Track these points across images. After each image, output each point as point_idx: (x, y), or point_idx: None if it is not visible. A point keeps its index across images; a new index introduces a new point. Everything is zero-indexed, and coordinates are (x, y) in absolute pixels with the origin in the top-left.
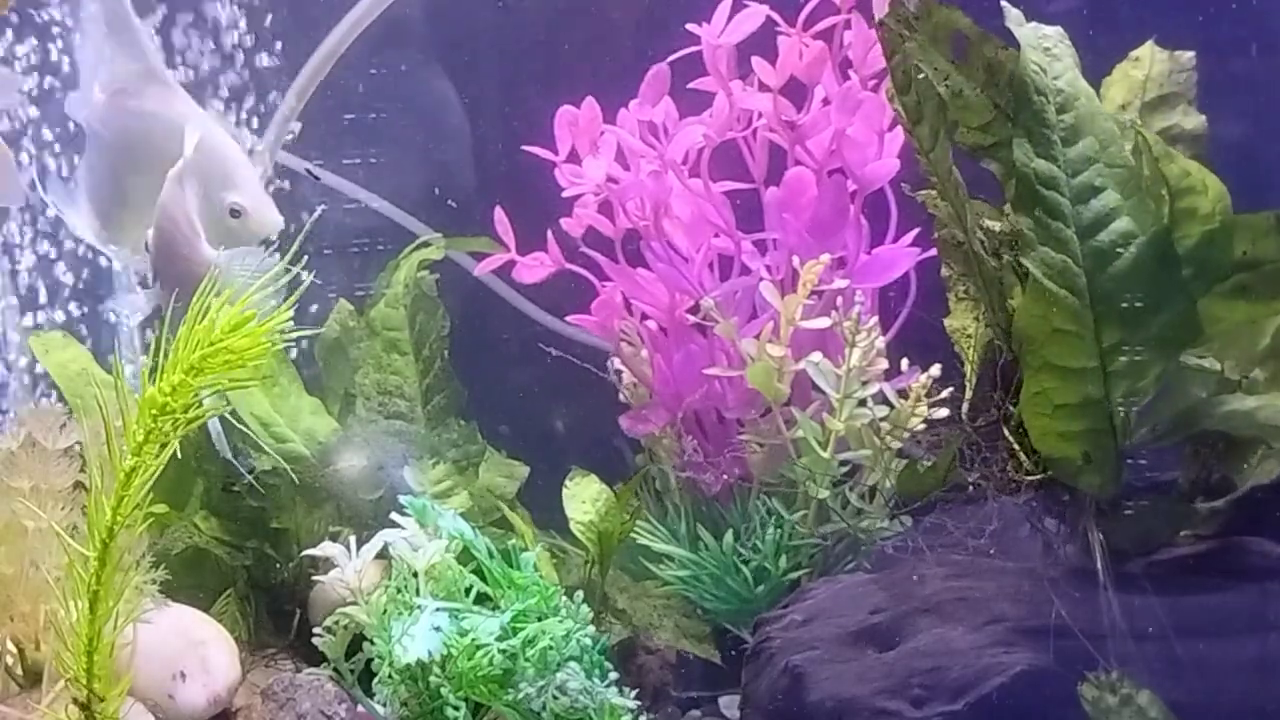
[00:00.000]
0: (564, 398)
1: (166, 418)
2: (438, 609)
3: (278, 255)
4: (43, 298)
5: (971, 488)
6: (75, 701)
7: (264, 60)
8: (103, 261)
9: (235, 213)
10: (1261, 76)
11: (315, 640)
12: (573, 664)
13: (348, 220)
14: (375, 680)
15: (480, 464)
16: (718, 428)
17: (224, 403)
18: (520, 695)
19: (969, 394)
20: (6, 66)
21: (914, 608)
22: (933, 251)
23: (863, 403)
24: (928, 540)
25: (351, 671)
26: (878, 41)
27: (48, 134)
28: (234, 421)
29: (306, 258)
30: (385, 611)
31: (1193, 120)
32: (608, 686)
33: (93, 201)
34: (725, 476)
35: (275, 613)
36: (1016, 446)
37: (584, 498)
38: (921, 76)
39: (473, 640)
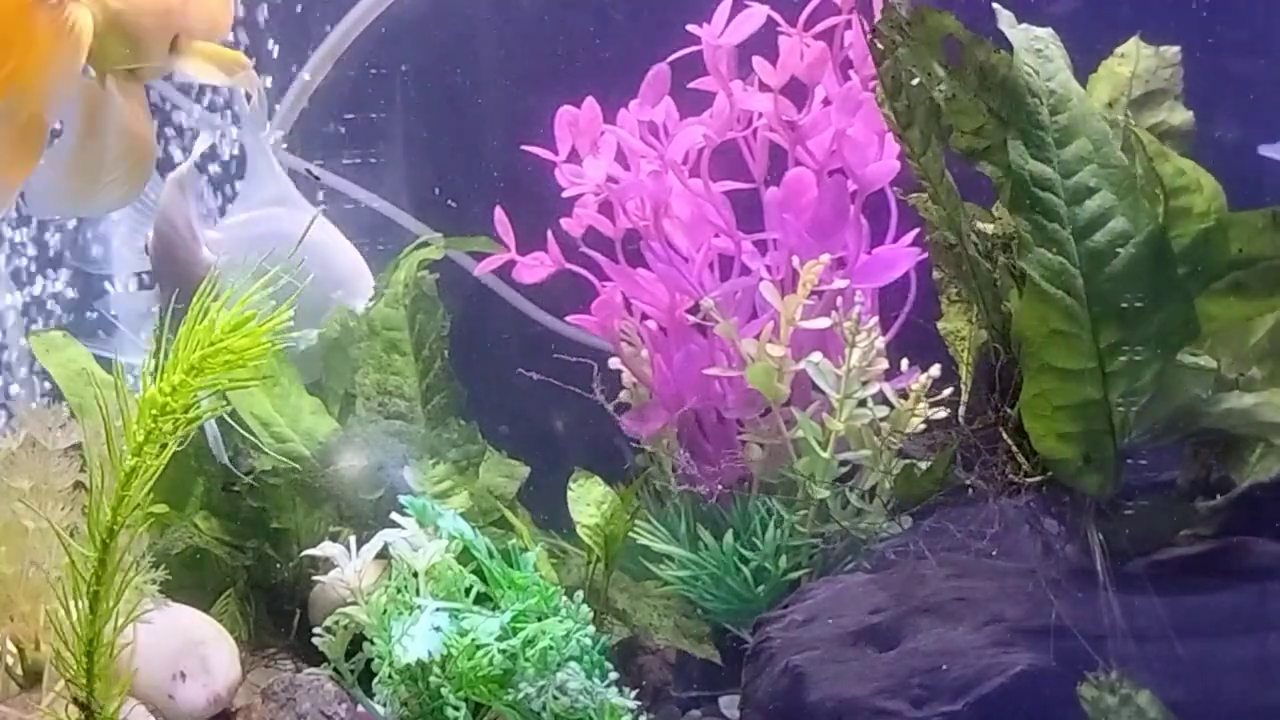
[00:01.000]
0: (564, 397)
1: (167, 418)
2: (438, 609)
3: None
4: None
5: (971, 490)
6: (75, 701)
7: (264, 59)
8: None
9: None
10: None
11: (315, 640)
12: (573, 664)
13: (348, 220)
14: (375, 680)
15: (480, 464)
16: (718, 428)
17: (223, 403)
18: (520, 695)
19: (965, 397)
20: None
21: (914, 608)
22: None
23: (863, 403)
24: (928, 542)
25: (351, 671)
26: (869, 47)
27: None
28: (232, 423)
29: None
30: (385, 611)
31: (1179, 116)
32: (608, 686)
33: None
34: (721, 487)
35: (275, 613)
36: (1015, 448)
37: (589, 500)
38: (915, 82)
39: (473, 640)
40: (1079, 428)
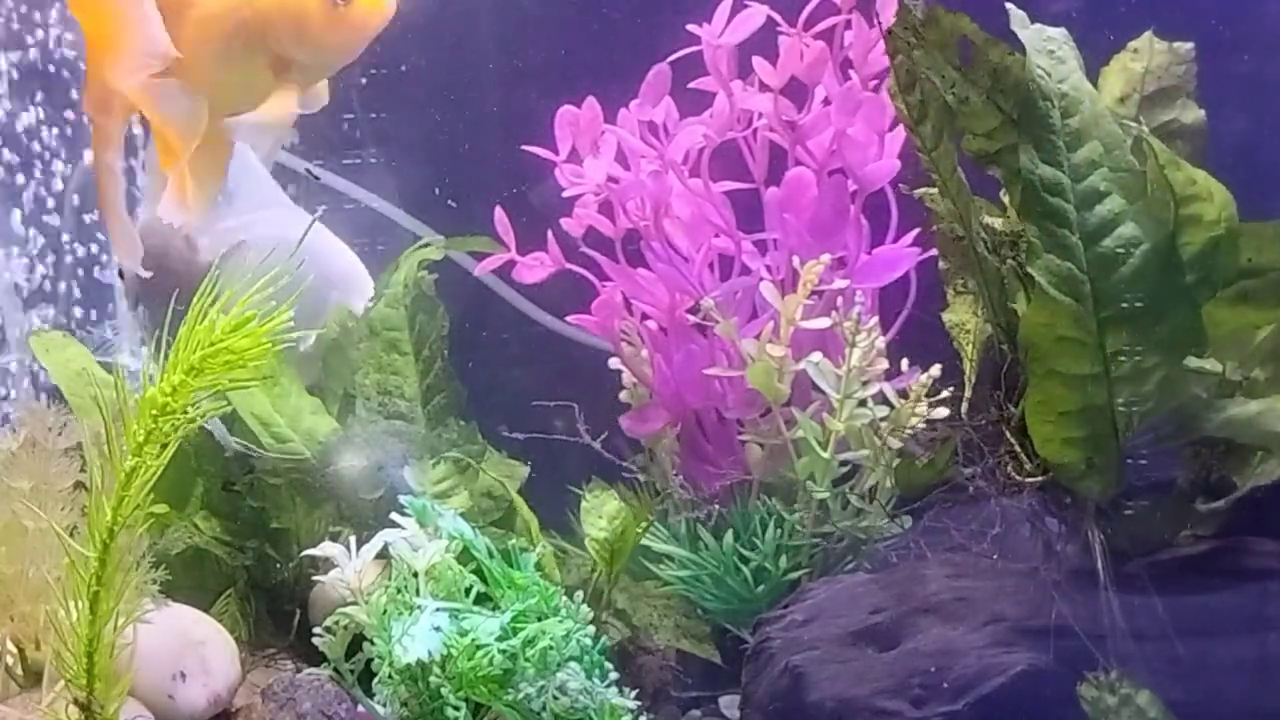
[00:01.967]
0: (563, 398)
1: (167, 418)
2: (438, 609)
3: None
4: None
5: (972, 488)
6: (75, 701)
7: None
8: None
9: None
10: None
11: (315, 640)
12: (573, 664)
13: (348, 220)
14: (375, 680)
15: (480, 464)
16: (718, 428)
17: (224, 403)
18: (520, 695)
19: (968, 392)
20: None
21: (914, 608)
22: (933, 251)
23: (863, 403)
24: (928, 541)
25: (351, 671)
26: (880, 43)
27: None
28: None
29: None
30: (385, 611)
31: (1192, 114)
32: (608, 686)
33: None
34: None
35: (275, 613)
36: (1018, 448)
37: (602, 513)
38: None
39: (473, 640)
40: (1083, 432)
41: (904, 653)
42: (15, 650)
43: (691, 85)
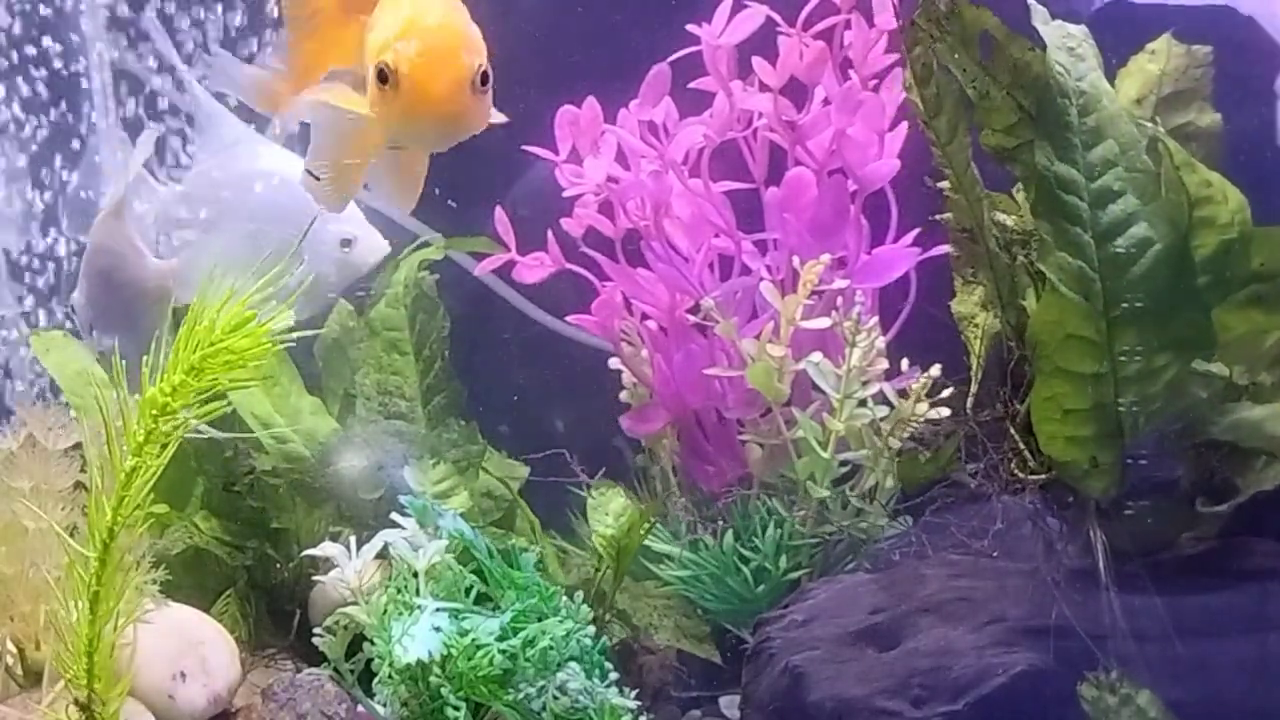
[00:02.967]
0: (564, 397)
1: (167, 418)
2: (438, 609)
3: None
4: None
5: (974, 485)
6: (75, 701)
7: (264, 59)
8: None
9: (346, 243)
10: None
11: (315, 640)
12: (573, 664)
13: None
14: (375, 680)
15: (480, 464)
16: (718, 428)
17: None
18: (520, 695)
19: (974, 387)
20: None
21: (914, 608)
22: (933, 251)
23: (863, 403)
24: (930, 539)
25: (351, 671)
26: (880, 43)
27: None
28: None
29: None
30: (385, 612)
31: (1207, 118)
32: (608, 686)
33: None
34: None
35: (275, 613)
36: (1022, 445)
37: (608, 510)
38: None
39: (473, 640)
40: (1088, 431)
41: (904, 653)
42: (15, 650)
43: (691, 85)
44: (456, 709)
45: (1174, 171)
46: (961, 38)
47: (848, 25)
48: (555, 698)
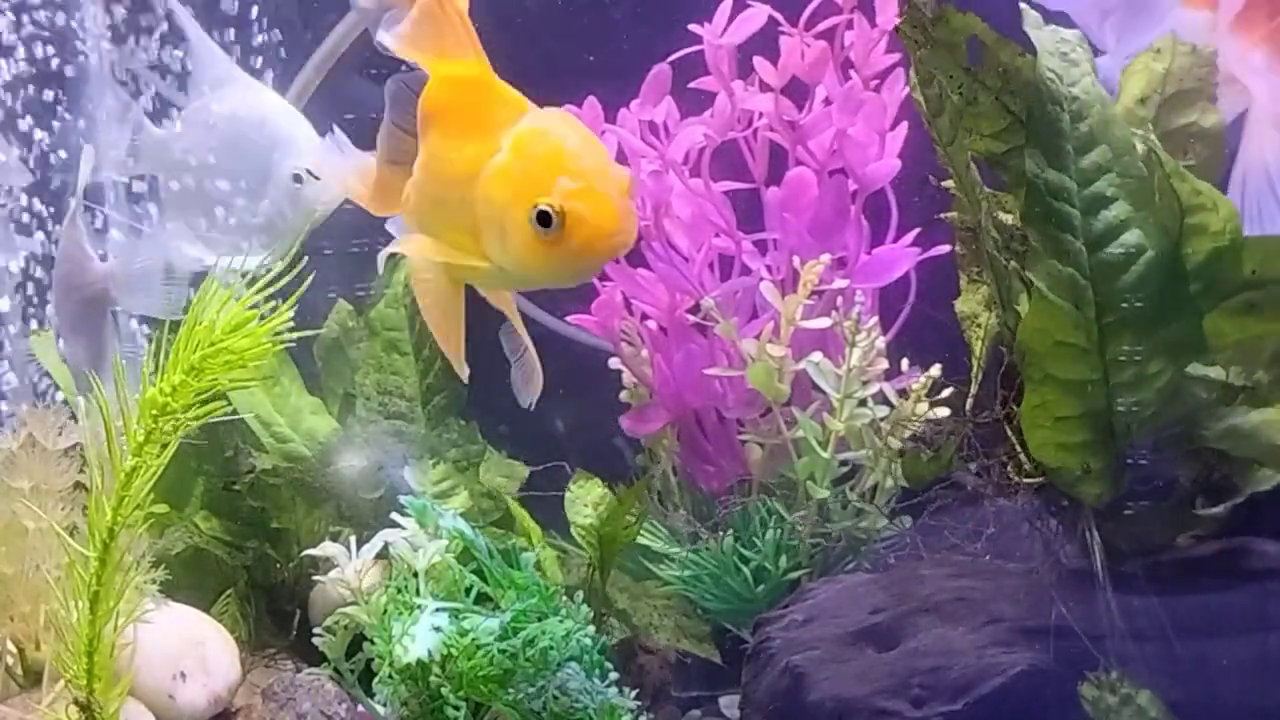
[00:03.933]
0: (564, 398)
1: (166, 418)
2: (438, 609)
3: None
4: None
5: (972, 487)
6: (75, 701)
7: (266, 58)
8: None
9: (297, 179)
10: None
11: (315, 640)
12: (573, 664)
13: (348, 220)
14: (375, 680)
15: (480, 464)
16: (718, 428)
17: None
18: (520, 695)
19: (974, 388)
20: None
21: (914, 608)
22: (933, 251)
23: (863, 403)
24: (927, 544)
25: (351, 671)
26: (881, 43)
27: None
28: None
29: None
30: (385, 611)
31: (1211, 118)
32: (608, 686)
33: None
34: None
35: (275, 613)
36: (1019, 448)
37: (586, 501)
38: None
39: (473, 640)
40: (1080, 438)
41: (904, 653)
42: (15, 650)
43: (692, 85)
44: (456, 709)
45: (1166, 179)
46: (948, 43)
47: (849, 25)
48: (555, 697)
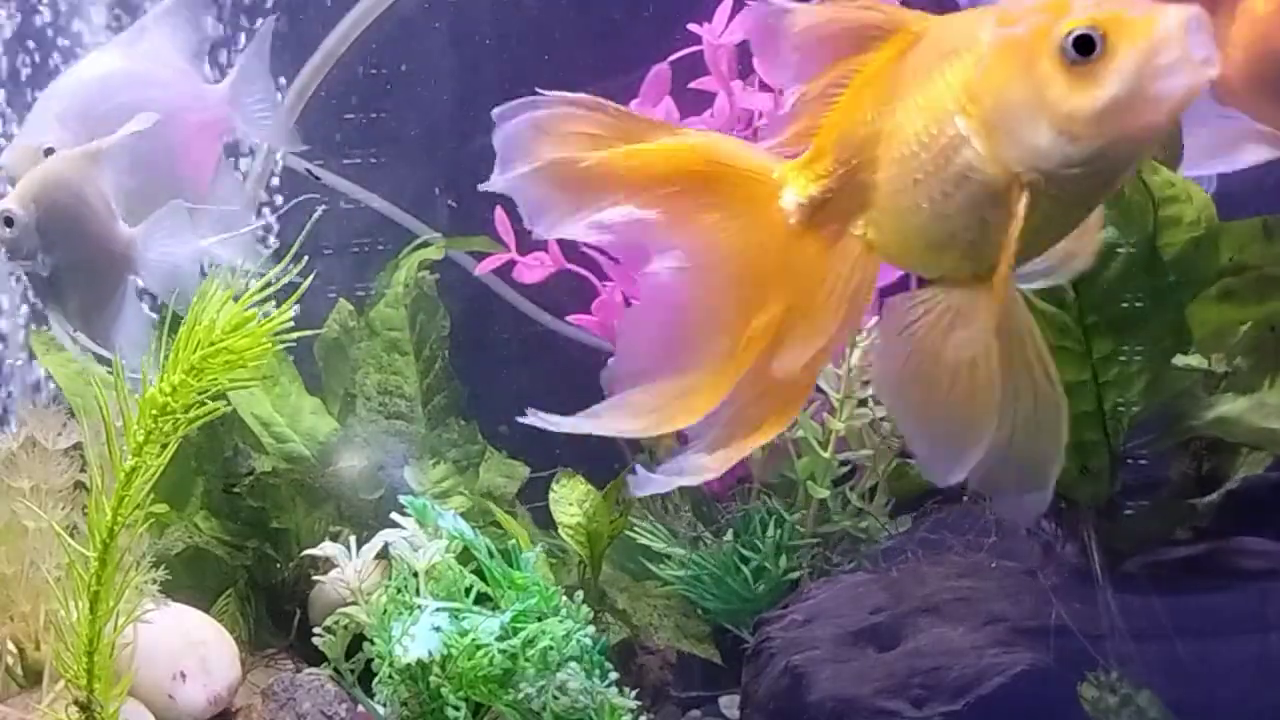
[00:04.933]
0: (564, 397)
1: (167, 418)
2: (438, 609)
3: None
4: None
5: (967, 495)
6: (75, 701)
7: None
8: None
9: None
10: None
11: (315, 640)
12: (573, 664)
13: (347, 220)
14: (375, 680)
15: (480, 464)
16: None
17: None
18: (520, 695)
19: None
20: None
21: (914, 608)
22: None
23: (863, 403)
24: (926, 546)
25: (351, 671)
26: None
27: None
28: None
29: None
30: (385, 611)
31: None
32: (608, 686)
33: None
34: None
35: (275, 613)
36: None
37: (570, 500)
38: None
39: (473, 640)
40: (1074, 439)
41: (904, 653)
42: (15, 650)
43: (692, 85)
44: (456, 709)
45: (1137, 173)
46: None
47: None
48: (555, 698)
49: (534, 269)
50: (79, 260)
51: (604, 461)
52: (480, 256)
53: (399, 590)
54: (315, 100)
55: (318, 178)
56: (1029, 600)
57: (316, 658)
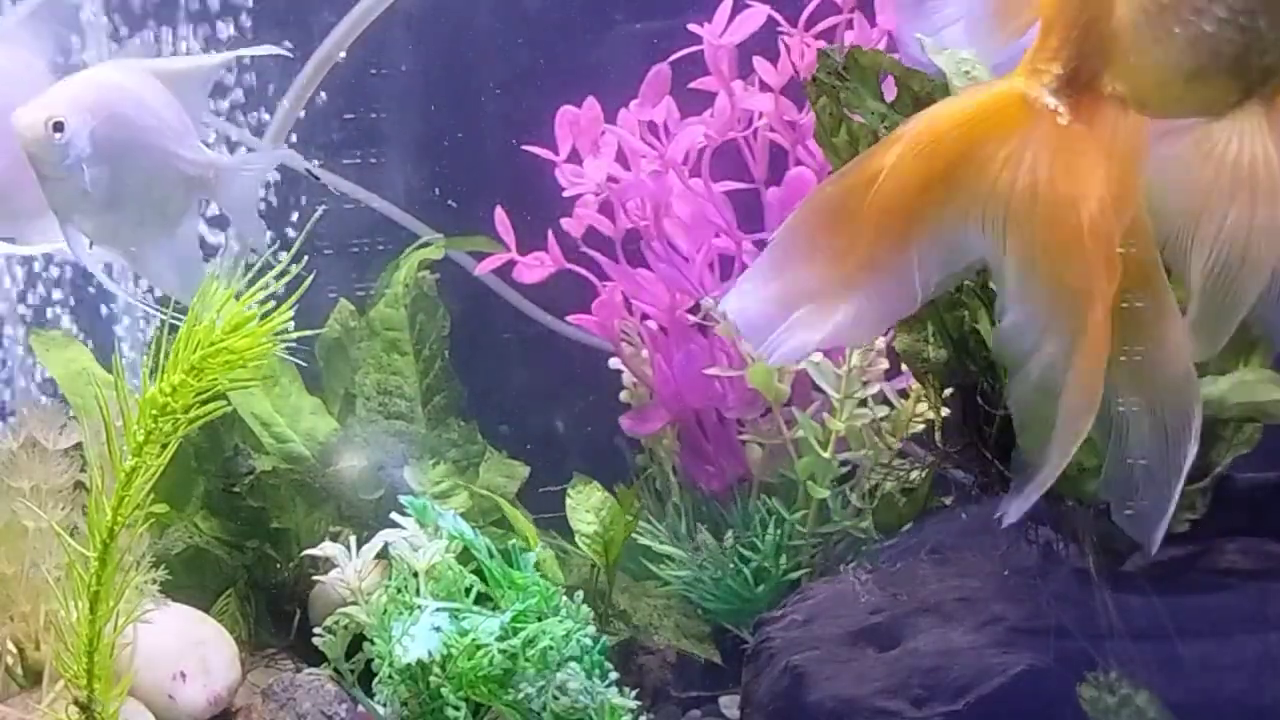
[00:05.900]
0: (564, 397)
1: (167, 418)
2: (438, 609)
3: None
4: None
5: (962, 513)
6: (75, 701)
7: (266, 59)
8: None
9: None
10: None
11: (315, 640)
12: (573, 664)
13: (347, 220)
14: (375, 680)
15: (480, 464)
16: (718, 428)
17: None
18: (520, 695)
19: (938, 419)
20: None
21: (914, 608)
22: None
23: (863, 403)
24: (926, 546)
25: (351, 671)
26: (881, 42)
27: None
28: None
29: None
30: (385, 611)
31: None
32: (608, 686)
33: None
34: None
35: (275, 613)
36: (1000, 468)
37: (587, 508)
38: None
39: (473, 640)
40: None
41: (904, 653)
42: (15, 650)
43: (692, 85)
44: (456, 709)
45: None
46: (863, 80)
47: (849, 25)
48: (555, 698)
49: (534, 269)
50: (142, 180)
51: (604, 461)
52: (480, 256)
53: (399, 590)
54: (315, 100)
55: (317, 177)
56: (1029, 600)
57: (316, 658)
